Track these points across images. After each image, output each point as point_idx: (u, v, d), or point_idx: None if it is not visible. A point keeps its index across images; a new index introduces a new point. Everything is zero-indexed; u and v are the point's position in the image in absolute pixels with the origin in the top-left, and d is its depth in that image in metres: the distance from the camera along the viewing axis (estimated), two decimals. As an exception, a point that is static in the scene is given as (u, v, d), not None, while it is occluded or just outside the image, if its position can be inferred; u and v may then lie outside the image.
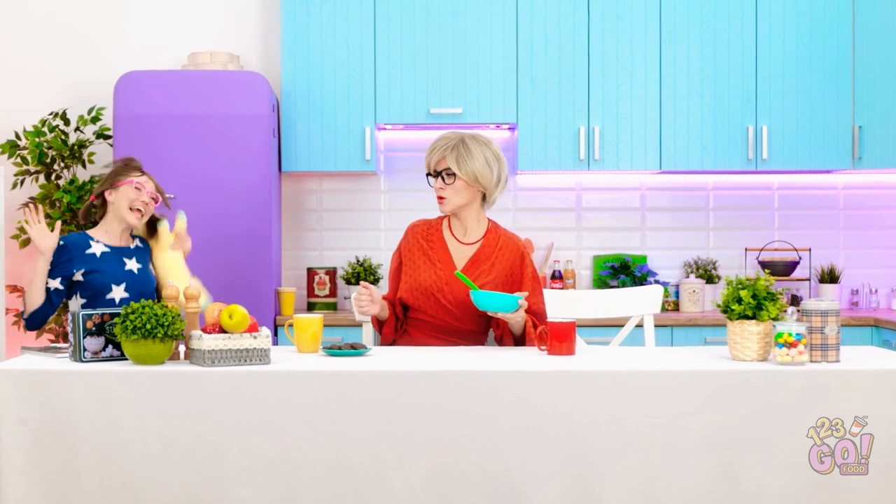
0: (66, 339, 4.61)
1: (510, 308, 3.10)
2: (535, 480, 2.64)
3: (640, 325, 3.80)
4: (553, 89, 4.82)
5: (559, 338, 2.94)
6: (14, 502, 2.61)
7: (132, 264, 3.48)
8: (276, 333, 4.61)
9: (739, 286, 2.81)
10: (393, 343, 3.37)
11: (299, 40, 4.80)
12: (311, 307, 4.97)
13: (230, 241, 4.49)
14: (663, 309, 4.89)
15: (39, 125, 4.76)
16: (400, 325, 3.37)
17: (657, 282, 5.00)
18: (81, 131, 4.84)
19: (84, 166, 4.83)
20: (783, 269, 4.99)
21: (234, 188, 4.52)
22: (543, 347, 2.99)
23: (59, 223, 3.51)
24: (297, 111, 4.80)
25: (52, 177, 4.76)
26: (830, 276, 5.02)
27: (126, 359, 2.80)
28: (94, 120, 4.78)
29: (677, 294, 5.03)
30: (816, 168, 4.89)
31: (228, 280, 4.39)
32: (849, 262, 5.15)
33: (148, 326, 2.68)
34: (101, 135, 4.79)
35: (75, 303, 3.36)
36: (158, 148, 4.47)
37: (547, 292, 3.67)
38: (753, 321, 2.78)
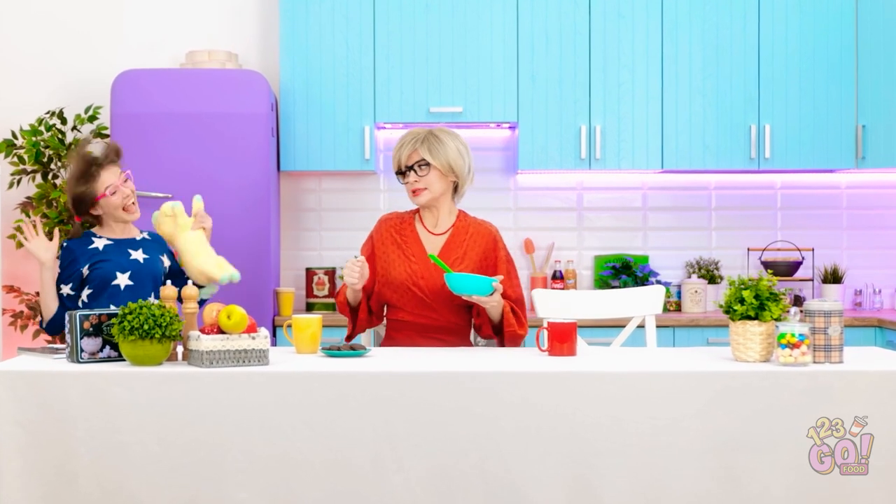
0: (63, 340, 4.58)
1: (485, 290, 3.08)
2: (536, 482, 2.62)
3: (641, 326, 3.78)
4: (554, 88, 4.79)
5: (560, 338, 2.92)
6: (10, 504, 2.60)
7: (138, 254, 3.46)
8: (274, 334, 4.59)
9: (742, 286, 2.79)
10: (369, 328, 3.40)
11: (298, 38, 4.77)
12: (309, 307, 4.95)
13: (228, 241, 4.45)
14: (665, 309, 4.87)
15: (36, 124, 4.74)
16: (370, 313, 3.36)
17: (659, 282, 4.98)
18: (78, 130, 4.82)
19: (82, 165, 4.81)
20: (786, 270, 4.97)
21: (232, 187, 4.50)
22: (544, 349, 2.98)
23: (56, 231, 3.50)
24: (295, 110, 4.77)
25: (49, 176, 4.74)
26: (834, 277, 4.99)
27: (124, 360, 2.79)
28: (92, 119, 4.76)
29: (679, 294, 5.01)
30: (820, 167, 4.87)
31: (227, 280, 4.37)
32: (852, 262, 5.12)
33: (146, 327, 2.67)
34: (98, 134, 4.77)
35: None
36: (156, 147, 4.46)
37: (548, 292, 3.65)
38: (756, 322, 2.77)
